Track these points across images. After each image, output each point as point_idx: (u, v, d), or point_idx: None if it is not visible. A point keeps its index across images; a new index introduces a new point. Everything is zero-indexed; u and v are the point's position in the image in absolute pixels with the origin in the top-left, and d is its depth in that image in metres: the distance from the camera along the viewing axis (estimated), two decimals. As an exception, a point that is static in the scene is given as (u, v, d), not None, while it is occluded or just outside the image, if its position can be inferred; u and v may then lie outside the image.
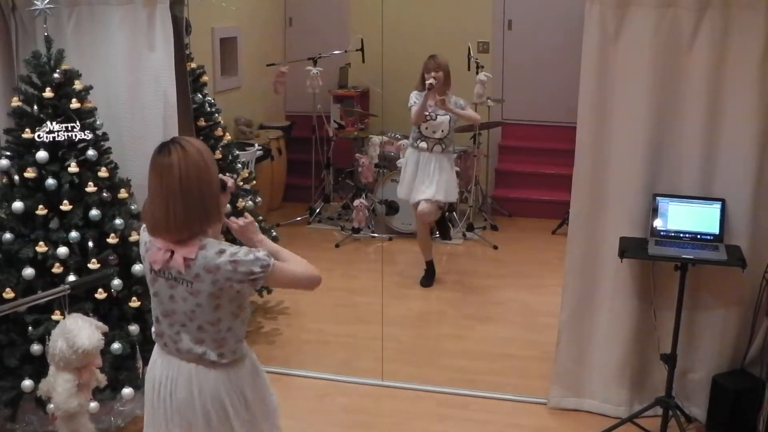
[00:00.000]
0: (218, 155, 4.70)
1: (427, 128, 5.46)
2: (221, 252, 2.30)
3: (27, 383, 3.50)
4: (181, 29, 4.03)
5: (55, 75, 3.63)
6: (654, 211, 3.60)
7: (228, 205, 4.62)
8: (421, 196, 5.50)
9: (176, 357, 2.43)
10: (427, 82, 5.29)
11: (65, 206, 3.59)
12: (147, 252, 2.41)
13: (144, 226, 2.43)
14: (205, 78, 4.83)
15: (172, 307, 2.38)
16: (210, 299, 2.32)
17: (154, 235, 2.37)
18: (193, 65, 4.65)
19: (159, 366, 2.48)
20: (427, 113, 5.40)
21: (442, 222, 6.17)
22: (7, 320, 3.48)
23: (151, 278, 2.42)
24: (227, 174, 2.22)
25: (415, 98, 5.45)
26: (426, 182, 5.49)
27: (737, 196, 3.54)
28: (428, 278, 5.82)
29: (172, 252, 2.31)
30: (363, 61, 6.91)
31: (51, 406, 3.28)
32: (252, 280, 2.30)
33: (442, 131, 5.44)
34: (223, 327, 2.38)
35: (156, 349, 2.53)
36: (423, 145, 5.50)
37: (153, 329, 2.53)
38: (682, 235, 3.57)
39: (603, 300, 3.83)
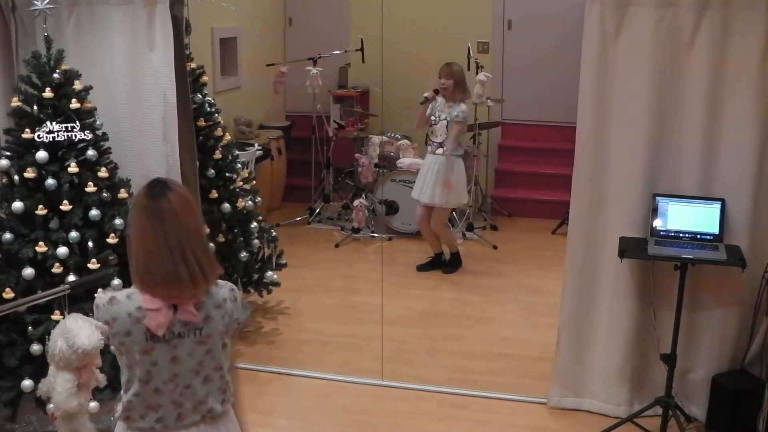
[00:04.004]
0: (218, 155, 4.71)
1: (431, 132, 5.77)
2: (217, 284, 2.17)
3: (27, 383, 3.50)
4: (181, 29, 4.02)
5: (55, 75, 3.63)
6: (654, 211, 3.60)
7: (227, 205, 4.64)
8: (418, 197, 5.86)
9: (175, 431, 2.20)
10: (426, 94, 5.59)
11: (65, 206, 3.59)
12: (138, 322, 2.07)
13: (108, 298, 2.09)
14: (205, 78, 4.83)
15: (175, 371, 2.14)
16: (219, 340, 2.16)
17: (163, 294, 2.07)
18: (193, 65, 4.65)
19: None
20: (434, 117, 5.69)
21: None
22: (7, 320, 3.48)
23: (145, 350, 2.09)
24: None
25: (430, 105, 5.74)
26: (425, 184, 5.76)
27: (737, 196, 3.54)
28: (449, 265, 6.01)
29: (175, 306, 2.08)
30: (363, 61, 6.91)
31: (51, 405, 3.28)
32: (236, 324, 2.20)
33: (441, 135, 5.67)
34: (225, 368, 2.22)
35: None
36: (429, 148, 5.83)
37: (135, 423, 2.18)
38: (681, 235, 3.57)
39: (603, 300, 3.83)
